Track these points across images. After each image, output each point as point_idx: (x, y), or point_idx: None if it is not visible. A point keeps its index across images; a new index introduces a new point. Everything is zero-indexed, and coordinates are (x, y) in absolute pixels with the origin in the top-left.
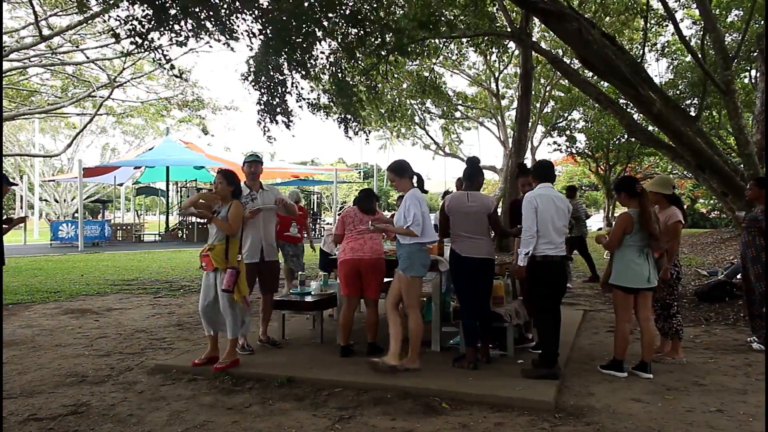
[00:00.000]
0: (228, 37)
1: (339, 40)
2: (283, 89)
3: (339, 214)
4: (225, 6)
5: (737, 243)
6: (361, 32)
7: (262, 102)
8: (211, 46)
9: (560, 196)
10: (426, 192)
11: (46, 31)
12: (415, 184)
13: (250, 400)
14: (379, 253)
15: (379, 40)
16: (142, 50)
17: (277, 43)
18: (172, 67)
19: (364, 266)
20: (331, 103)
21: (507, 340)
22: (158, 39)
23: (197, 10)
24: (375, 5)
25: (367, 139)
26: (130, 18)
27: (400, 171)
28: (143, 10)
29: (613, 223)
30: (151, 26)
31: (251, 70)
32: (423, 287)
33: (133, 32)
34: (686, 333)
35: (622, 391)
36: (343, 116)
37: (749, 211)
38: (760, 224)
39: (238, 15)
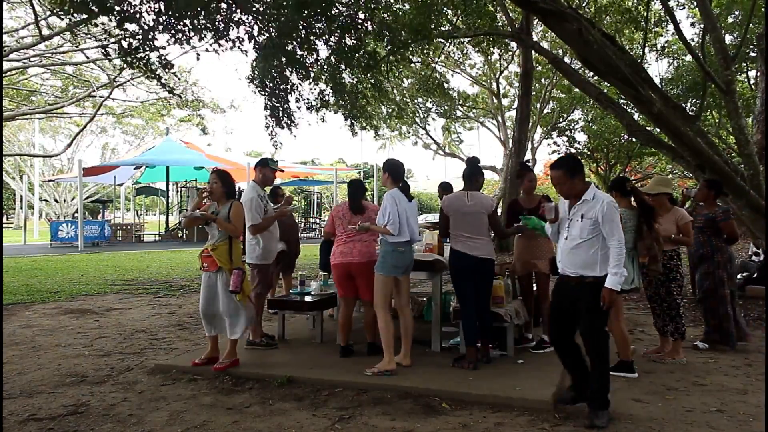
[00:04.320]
0: (225, 42)
1: (334, 47)
2: (286, 92)
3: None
4: (222, 12)
5: (738, 242)
6: (356, 39)
7: (268, 107)
8: (214, 47)
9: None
10: (412, 199)
11: (46, 31)
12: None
13: (250, 400)
14: (369, 255)
15: (374, 45)
16: (133, 68)
17: (274, 50)
18: (163, 86)
19: (354, 270)
20: (334, 102)
21: (507, 340)
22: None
23: (194, 14)
24: (371, 9)
25: (376, 135)
26: (119, 36)
27: (385, 169)
28: (131, 31)
29: None
30: (140, 43)
31: (255, 73)
32: (423, 287)
33: (122, 50)
34: (686, 333)
35: (622, 391)
36: (350, 113)
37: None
38: (717, 225)
39: (235, 20)
